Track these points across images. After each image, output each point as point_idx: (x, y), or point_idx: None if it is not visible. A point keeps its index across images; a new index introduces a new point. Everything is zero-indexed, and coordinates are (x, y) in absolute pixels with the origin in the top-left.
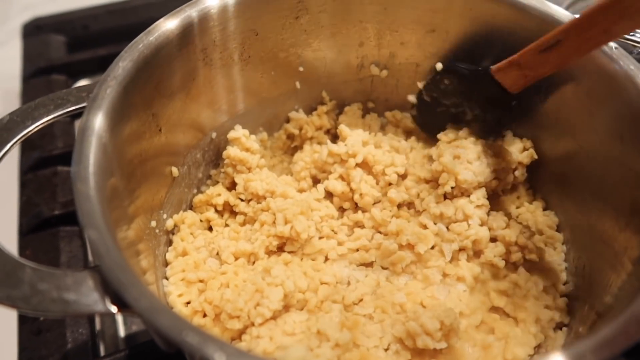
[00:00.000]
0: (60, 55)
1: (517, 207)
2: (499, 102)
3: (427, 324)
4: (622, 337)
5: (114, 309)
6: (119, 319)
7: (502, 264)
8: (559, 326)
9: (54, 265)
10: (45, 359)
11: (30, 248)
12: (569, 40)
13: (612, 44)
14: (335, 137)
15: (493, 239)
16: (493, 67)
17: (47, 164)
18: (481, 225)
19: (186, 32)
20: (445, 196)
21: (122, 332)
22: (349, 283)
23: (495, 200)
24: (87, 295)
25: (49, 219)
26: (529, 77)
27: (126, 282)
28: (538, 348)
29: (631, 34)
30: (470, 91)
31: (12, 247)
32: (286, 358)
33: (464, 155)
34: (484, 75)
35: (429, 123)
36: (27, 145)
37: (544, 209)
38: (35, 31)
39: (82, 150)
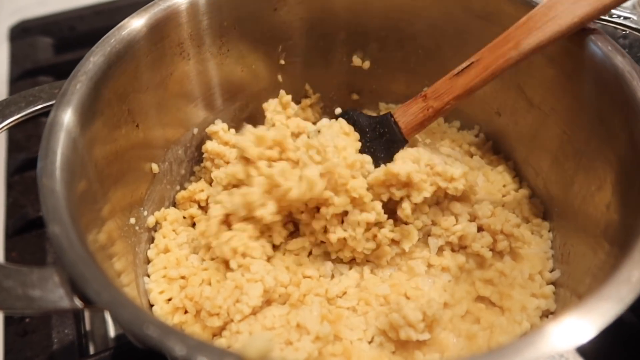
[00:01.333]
0: (48, 56)
1: (504, 196)
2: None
3: (409, 315)
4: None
5: (79, 304)
6: (109, 318)
7: (489, 254)
8: (545, 314)
9: (40, 266)
10: None
11: (16, 250)
12: (480, 60)
13: (595, 25)
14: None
15: (479, 228)
16: (395, 108)
17: (33, 166)
18: (470, 220)
19: (159, 26)
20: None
21: (112, 332)
22: (332, 276)
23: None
24: (52, 292)
25: (35, 220)
26: (432, 110)
27: (88, 276)
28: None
29: (614, 16)
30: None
31: None
32: (248, 347)
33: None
34: (381, 121)
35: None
36: (14, 147)
37: (531, 197)
38: (22, 34)
39: (49, 146)
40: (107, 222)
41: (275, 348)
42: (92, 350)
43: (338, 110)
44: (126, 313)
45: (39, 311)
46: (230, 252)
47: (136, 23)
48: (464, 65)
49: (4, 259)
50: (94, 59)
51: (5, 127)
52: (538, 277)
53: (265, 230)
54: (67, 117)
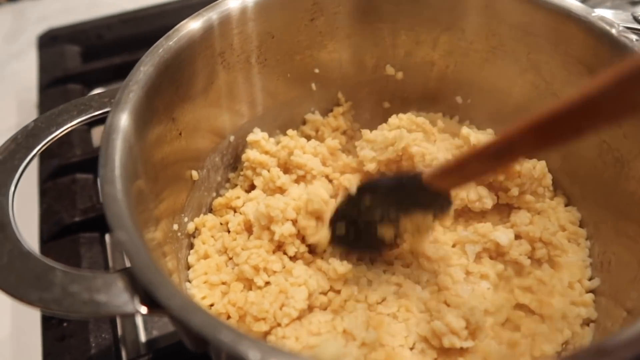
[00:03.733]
0: (76, 64)
1: (538, 203)
2: (436, 200)
3: (452, 322)
4: None
5: (144, 309)
6: (140, 324)
7: (527, 262)
8: (586, 322)
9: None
10: None
11: (52, 255)
12: (525, 142)
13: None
14: (350, 139)
15: (516, 236)
16: (426, 176)
17: (65, 172)
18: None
19: (205, 36)
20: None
21: (143, 337)
22: (370, 282)
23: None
24: (118, 296)
25: (70, 225)
26: (471, 179)
27: (157, 282)
28: (565, 344)
29: None
30: (399, 201)
31: None
32: (322, 353)
33: None
34: (412, 184)
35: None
36: (46, 154)
37: (566, 205)
38: (51, 42)
39: (109, 153)
40: (160, 223)
41: (348, 354)
42: (124, 355)
43: (354, 182)
44: (198, 318)
45: (105, 316)
46: (252, 270)
47: (185, 31)
48: (504, 145)
49: None
50: (144, 69)
51: (59, 135)
52: (577, 285)
53: (280, 245)
54: (124, 123)
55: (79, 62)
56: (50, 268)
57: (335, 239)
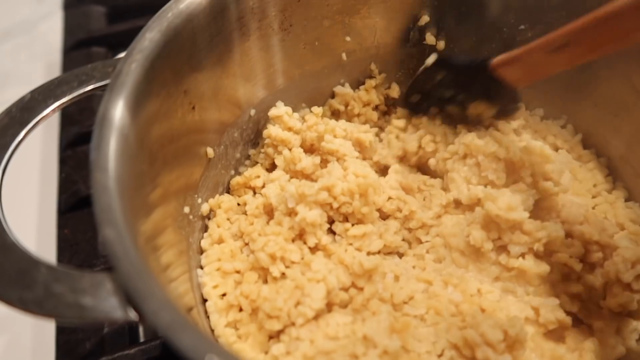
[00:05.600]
0: (101, 26)
1: (594, 197)
2: (503, 95)
3: (488, 333)
4: None
5: (135, 316)
6: None
7: (578, 266)
8: None
9: (91, 245)
10: (82, 343)
11: (68, 227)
12: (581, 42)
13: None
14: (384, 114)
15: (567, 234)
16: (493, 62)
17: (86, 140)
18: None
19: None
20: None
21: None
22: (397, 279)
23: None
24: (105, 300)
25: (87, 197)
26: (535, 75)
27: (144, 291)
28: None
29: None
30: (469, 84)
31: (51, 225)
32: None
33: None
34: (481, 68)
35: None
36: (67, 121)
37: (626, 200)
38: (76, 2)
39: (102, 135)
40: (160, 206)
41: None
42: (141, 334)
43: (430, 60)
44: (186, 339)
45: (91, 322)
46: (269, 258)
47: None
48: (559, 42)
49: (57, 236)
50: (150, 35)
51: (57, 108)
52: None
53: (301, 234)
54: (121, 102)
55: (104, 24)
56: (34, 263)
57: (407, 104)
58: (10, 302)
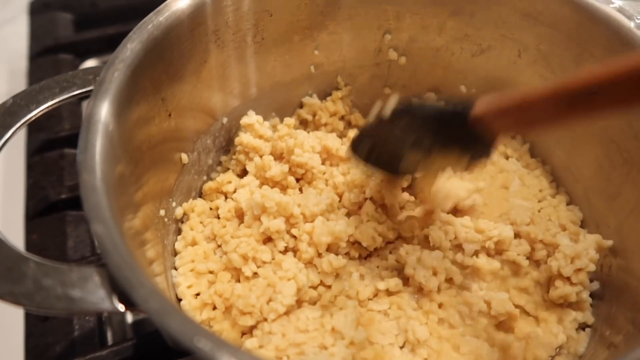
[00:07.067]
0: (68, 33)
1: (539, 201)
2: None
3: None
4: None
5: (121, 307)
6: None
7: (525, 263)
8: (581, 327)
9: (61, 250)
10: (52, 346)
11: (36, 232)
12: (610, 93)
13: None
14: (349, 124)
15: (516, 235)
16: (476, 112)
17: (53, 146)
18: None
19: (198, 12)
20: None
21: (129, 318)
22: (362, 277)
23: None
24: (93, 293)
25: (56, 203)
26: (530, 127)
27: (135, 281)
28: (560, 349)
29: None
30: (438, 132)
31: (18, 231)
32: None
33: None
34: (456, 119)
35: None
36: (34, 127)
37: (568, 204)
38: (43, 9)
39: (88, 138)
40: (141, 208)
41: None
42: (109, 336)
43: (392, 102)
44: (175, 323)
45: (79, 313)
46: (241, 259)
47: (175, 7)
48: (580, 92)
49: (25, 241)
50: (131, 46)
51: (39, 113)
52: None
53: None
54: (105, 107)
55: (71, 31)
56: (23, 259)
57: (356, 152)
58: (0, 296)
